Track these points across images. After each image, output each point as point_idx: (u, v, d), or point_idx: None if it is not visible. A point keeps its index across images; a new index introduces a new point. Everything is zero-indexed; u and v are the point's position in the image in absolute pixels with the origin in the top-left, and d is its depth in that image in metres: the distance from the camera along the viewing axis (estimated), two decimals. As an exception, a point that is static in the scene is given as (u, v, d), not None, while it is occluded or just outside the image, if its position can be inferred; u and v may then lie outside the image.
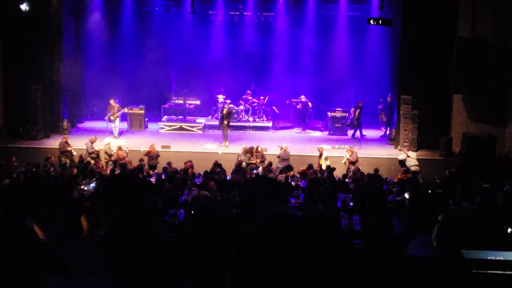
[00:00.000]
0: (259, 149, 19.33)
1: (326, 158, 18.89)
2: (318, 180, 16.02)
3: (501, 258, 6.58)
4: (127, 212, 3.24)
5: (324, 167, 18.36)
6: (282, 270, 1.39)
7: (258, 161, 18.90)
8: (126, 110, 22.50)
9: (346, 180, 16.96)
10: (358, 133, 22.62)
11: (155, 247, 3.28)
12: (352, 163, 18.74)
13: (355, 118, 22.45)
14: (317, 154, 19.39)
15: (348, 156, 18.92)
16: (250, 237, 1.46)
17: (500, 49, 19.26)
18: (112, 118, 21.72)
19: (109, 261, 3.05)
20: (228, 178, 16.81)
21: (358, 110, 22.28)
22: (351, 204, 13.50)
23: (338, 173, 17.53)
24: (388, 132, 22.48)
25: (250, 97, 23.97)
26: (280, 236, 1.43)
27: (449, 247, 3.79)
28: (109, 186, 3.43)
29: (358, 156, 19.10)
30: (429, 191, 14.69)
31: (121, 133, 22.30)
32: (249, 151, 19.09)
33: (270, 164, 18.36)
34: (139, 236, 3.23)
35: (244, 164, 18.52)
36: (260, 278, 1.39)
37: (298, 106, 23.72)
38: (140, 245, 3.21)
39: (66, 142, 19.56)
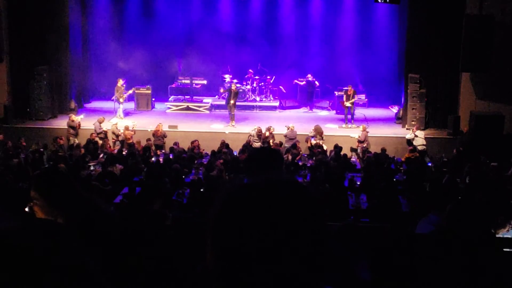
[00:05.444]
0: (271, 129, 19.32)
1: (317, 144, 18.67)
2: (325, 159, 16.02)
3: (509, 236, 6.60)
4: (64, 204, 3.24)
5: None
6: (260, 236, 1.33)
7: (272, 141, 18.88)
8: (131, 91, 22.37)
9: (352, 159, 16.97)
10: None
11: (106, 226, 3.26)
12: (361, 142, 18.73)
13: None
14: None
15: (356, 135, 18.96)
16: (224, 206, 1.40)
17: (508, 27, 19.08)
18: (120, 99, 21.59)
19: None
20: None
21: None
22: (358, 183, 13.50)
23: (346, 152, 17.48)
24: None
25: (252, 76, 23.88)
26: (254, 201, 1.36)
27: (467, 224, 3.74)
28: (37, 186, 3.37)
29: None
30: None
31: (127, 113, 22.22)
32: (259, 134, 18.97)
33: (280, 144, 18.40)
34: (88, 221, 3.22)
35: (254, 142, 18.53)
36: (237, 248, 1.34)
37: (302, 83, 23.58)
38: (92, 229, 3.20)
39: (72, 121, 19.58)
